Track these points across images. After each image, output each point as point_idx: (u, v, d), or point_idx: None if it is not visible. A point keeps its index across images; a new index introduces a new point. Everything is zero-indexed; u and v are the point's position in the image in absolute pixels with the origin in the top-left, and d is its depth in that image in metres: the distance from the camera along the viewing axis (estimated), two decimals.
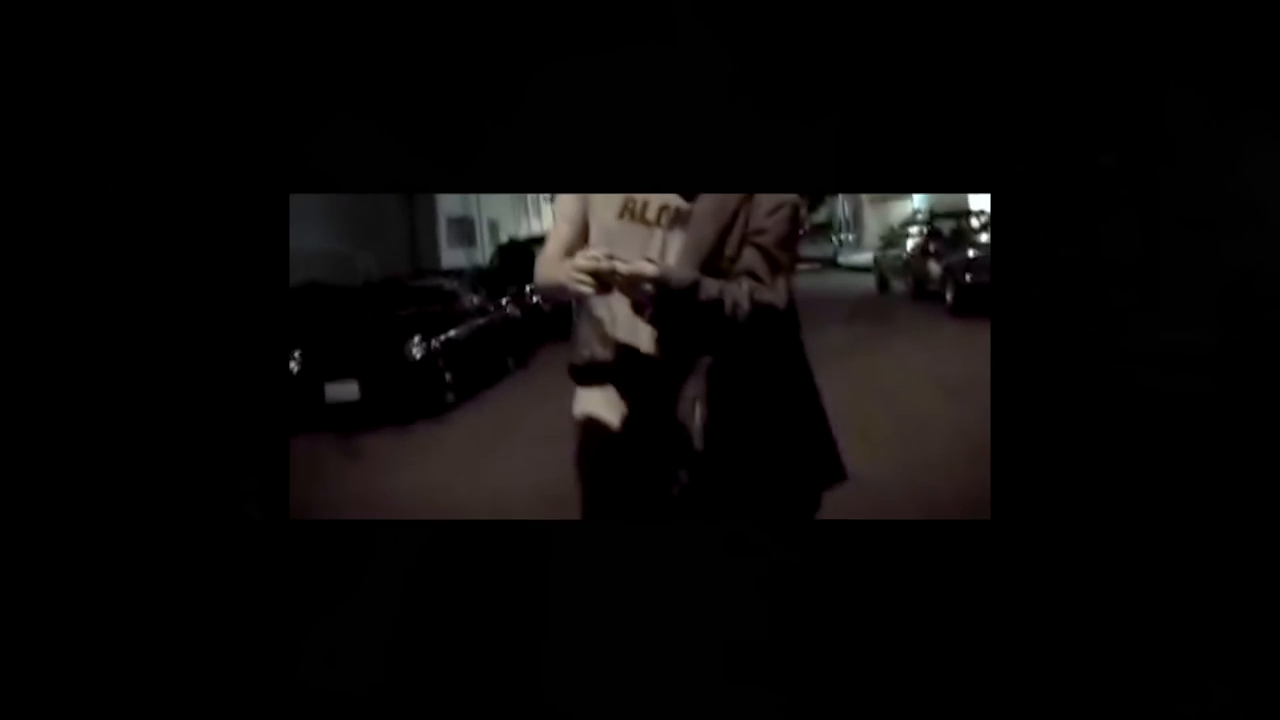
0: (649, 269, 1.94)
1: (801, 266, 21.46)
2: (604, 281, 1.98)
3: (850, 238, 30.90)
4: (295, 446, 7.77)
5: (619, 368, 2.11)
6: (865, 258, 21.32)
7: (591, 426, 2.19)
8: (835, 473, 2.24)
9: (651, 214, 2.11)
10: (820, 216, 33.55)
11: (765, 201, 2.11)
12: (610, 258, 1.97)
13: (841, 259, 25.54)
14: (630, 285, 1.95)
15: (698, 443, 2.09)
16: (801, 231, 2.23)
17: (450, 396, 8.55)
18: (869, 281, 17.40)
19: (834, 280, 19.94)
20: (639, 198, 2.12)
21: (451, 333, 8.93)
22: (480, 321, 9.83)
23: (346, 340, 8.73)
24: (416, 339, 8.40)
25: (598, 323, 2.12)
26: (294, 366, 8.30)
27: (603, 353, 2.11)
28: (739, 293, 2.03)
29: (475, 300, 10.25)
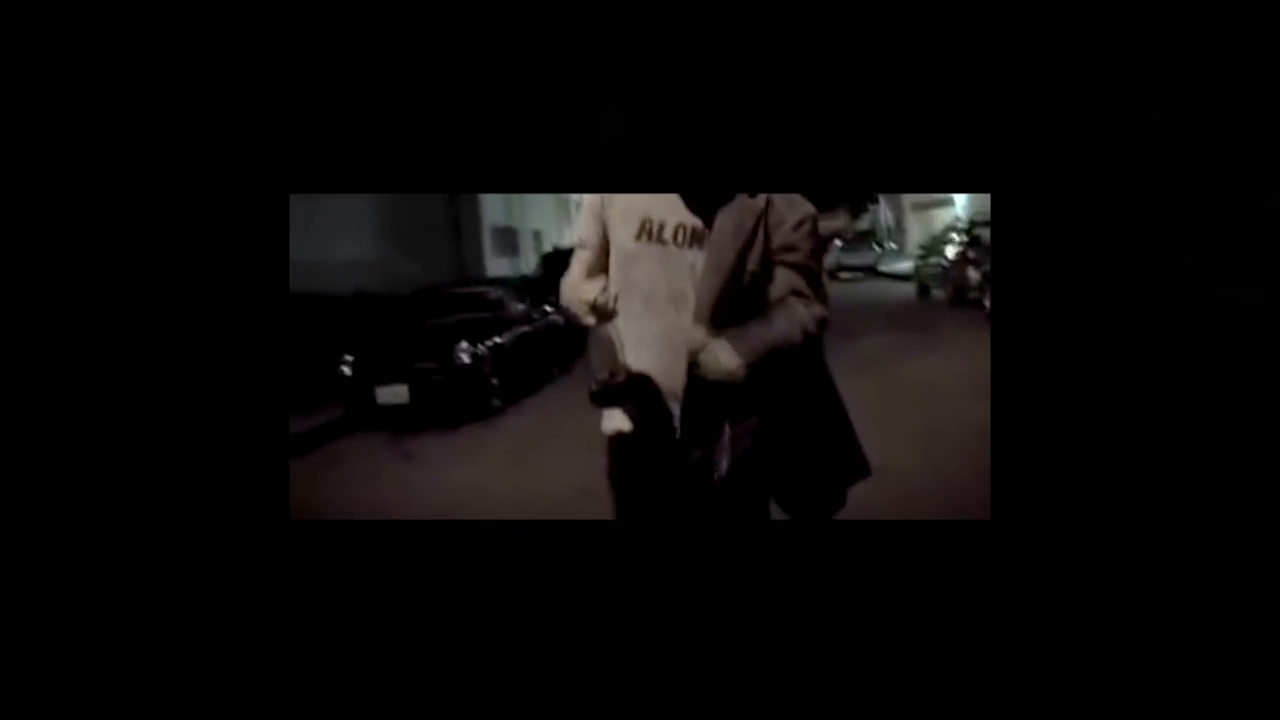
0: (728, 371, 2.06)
1: (843, 275, 21.51)
2: (605, 314, 2.10)
3: (893, 246, 30.82)
4: (347, 446, 8.04)
5: (630, 390, 2.15)
6: (906, 266, 21.30)
7: (620, 441, 2.23)
8: (860, 469, 2.31)
9: (669, 234, 2.13)
10: (864, 224, 33.49)
11: (788, 217, 2.15)
12: (616, 301, 2.13)
13: (883, 267, 25.51)
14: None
15: (724, 465, 2.14)
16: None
17: (496, 401, 8.79)
18: (909, 290, 17.42)
19: (875, 288, 19.95)
20: (656, 219, 2.14)
21: (498, 339, 9.17)
22: (525, 328, 10.06)
23: (397, 345, 9.00)
24: (464, 344, 8.66)
25: (608, 345, 2.15)
26: (346, 370, 8.62)
27: (614, 377, 2.15)
28: (789, 328, 2.12)
29: (520, 308, 10.49)
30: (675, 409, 2.16)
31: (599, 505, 2.40)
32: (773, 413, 2.18)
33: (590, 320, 2.14)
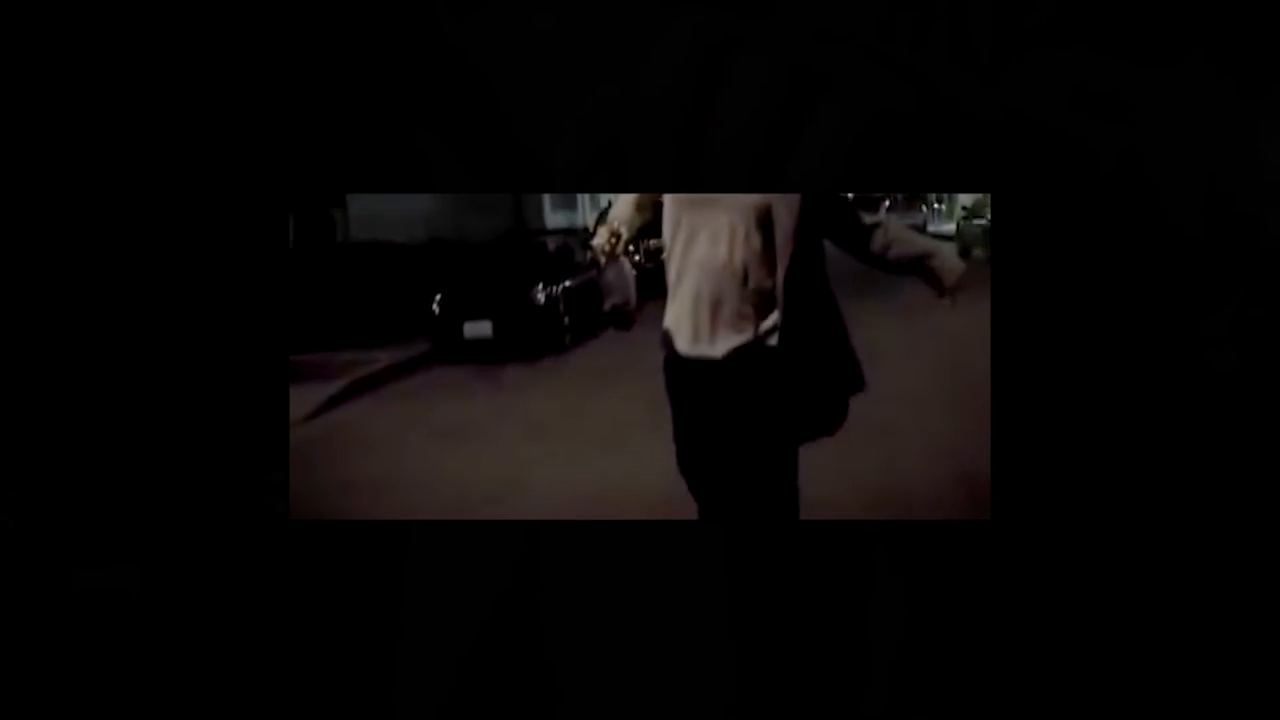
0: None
1: None
2: (612, 254, 2.39)
3: (941, 207, 31.13)
4: (438, 374, 9.18)
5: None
6: (950, 227, 21.88)
7: (668, 338, 2.44)
8: (858, 382, 2.48)
9: None
10: None
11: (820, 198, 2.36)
12: (617, 236, 2.41)
13: (931, 227, 25.98)
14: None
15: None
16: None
17: (568, 338, 9.86)
18: (953, 249, 18.11)
19: None
20: None
21: (567, 282, 10.22)
22: (588, 275, 11.09)
23: (481, 286, 10.10)
24: (540, 286, 9.73)
25: (624, 279, 2.43)
26: (435, 309, 9.73)
27: (627, 304, 2.47)
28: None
29: (585, 256, 11.52)
30: (704, 317, 2.34)
31: (665, 423, 2.61)
32: (795, 318, 2.33)
33: (601, 258, 2.44)
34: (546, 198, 22.49)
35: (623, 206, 2.53)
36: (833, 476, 3.93)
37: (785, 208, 2.26)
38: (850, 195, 2.46)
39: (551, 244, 11.78)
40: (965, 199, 23.63)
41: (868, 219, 2.46)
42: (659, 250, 2.46)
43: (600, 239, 2.48)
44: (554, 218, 22.50)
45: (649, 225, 2.55)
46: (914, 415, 5.70)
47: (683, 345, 2.37)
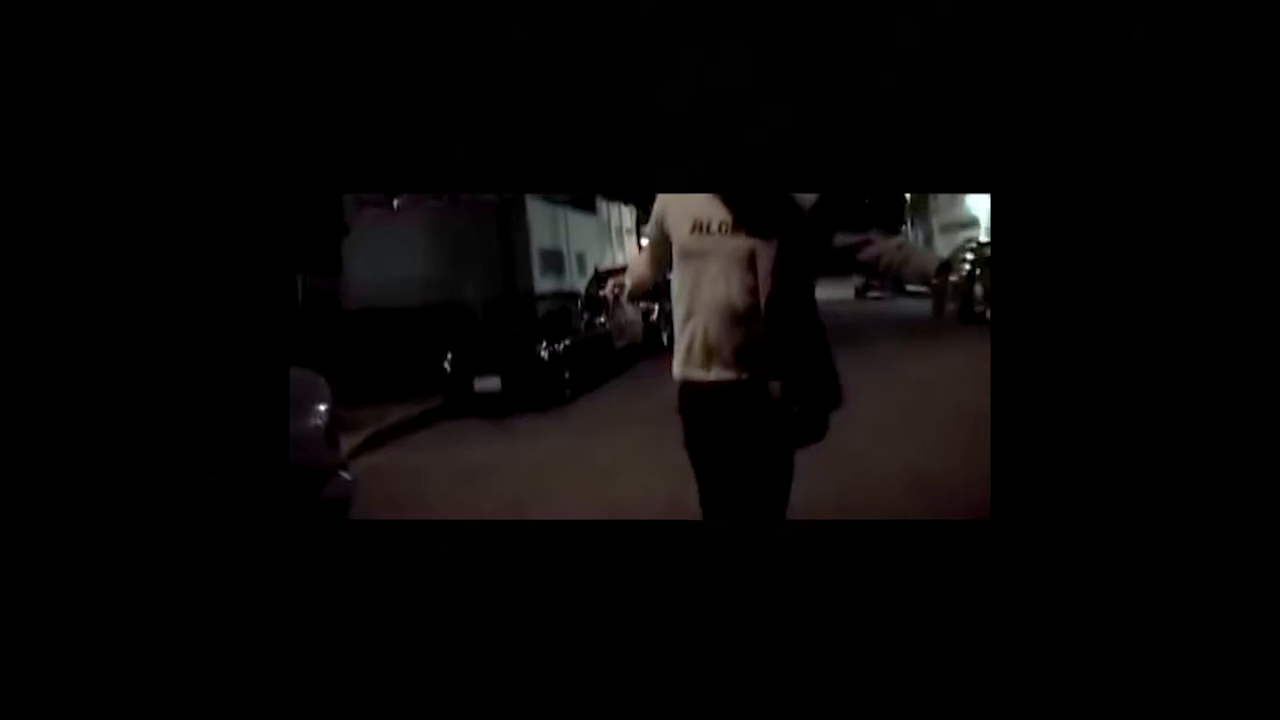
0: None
1: (871, 294, 22.65)
2: (617, 302, 2.96)
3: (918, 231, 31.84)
4: (453, 425, 9.87)
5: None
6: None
7: (686, 385, 2.74)
8: (837, 398, 2.72)
9: (715, 227, 2.64)
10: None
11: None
12: (621, 287, 2.94)
13: (909, 286, 26.82)
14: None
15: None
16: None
17: (568, 392, 10.60)
18: (928, 306, 18.95)
19: (899, 305, 21.48)
20: (703, 218, 2.65)
21: (567, 341, 10.99)
22: (585, 334, 11.86)
23: (488, 344, 10.91)
24: (544, 343, 10.49)
25: (631, 320, 3.39)
26: (447, 366, 10.47)
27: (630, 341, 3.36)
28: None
29: (584, 317, 12.29)
30: (725, 350, 2.64)
31: (662, 454, 3.07)
32: (781, 341, 2.63)
33: (610, 305, 3.44)
34: (535, 263, 23.33)
35: (639, 264, 3.03)
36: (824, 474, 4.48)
37: (765, 250, 2.62)
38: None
39: (549, 306, 12.57)
40: (947, 254, 24.46)
41: (847, 240, 2.73)
42: (649, 309, 3.20)
43: (607, 289, 3.05)
44: (543, 282, 23.32)
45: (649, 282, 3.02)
46: (882, 434, 6.55)
47: (694, 372, 2.69)
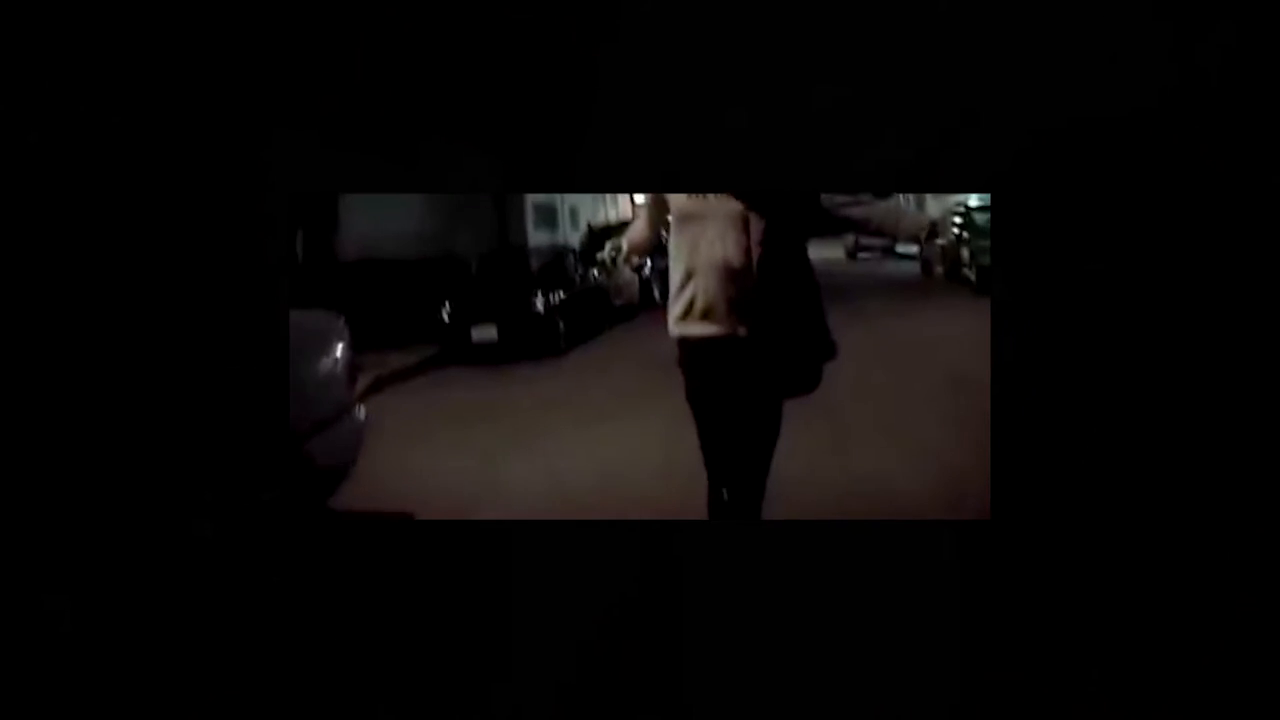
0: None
1: (862, 255, 22.99)
2: (614, 264, 3.33)
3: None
4: (452, 373, 10.21)
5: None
6: (915, 247, 23.03)
7: (685, 341, 2.87)
8: (830, 350, 2.87)
9: (709, 194, 2.76)
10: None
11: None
12: (618, 249, 3.01)
13: (899, 247, 27.03)
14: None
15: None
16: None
17: (562, 344, 10.90)
18: (917, 267, 19.29)
19: (889, 266, 21.77)
20: None
21: (562, 293, 11.27)
22: (579, 287, 12.12)
23: (485, 295, 11.17)
24: (539, 295, 10.77)
25: (629, 282, 3.61)
26: (445, 316, 10.75)
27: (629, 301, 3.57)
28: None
29: (579, 271, 12.53)
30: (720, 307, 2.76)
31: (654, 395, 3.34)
32: (773, 298, 2.76)
33: (609, 267, 3.61)
34: (529, 216, 23.49)
35: (638, 226, 3.12)
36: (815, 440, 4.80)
37: (756, 213, 2.74)
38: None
39: (542, 258, 12.80)
40: (939, 216, 24.60)
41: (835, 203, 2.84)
42: (640, 265, 3.38)
43: (605, 253, 3.12)
44: (536, 235, 23.48)
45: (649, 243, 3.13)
46: (875, 399, 6.85)
47: (694, 328, 2.82)
